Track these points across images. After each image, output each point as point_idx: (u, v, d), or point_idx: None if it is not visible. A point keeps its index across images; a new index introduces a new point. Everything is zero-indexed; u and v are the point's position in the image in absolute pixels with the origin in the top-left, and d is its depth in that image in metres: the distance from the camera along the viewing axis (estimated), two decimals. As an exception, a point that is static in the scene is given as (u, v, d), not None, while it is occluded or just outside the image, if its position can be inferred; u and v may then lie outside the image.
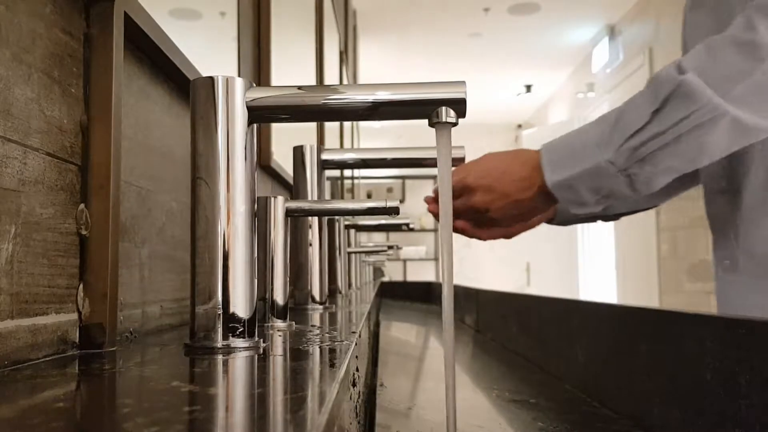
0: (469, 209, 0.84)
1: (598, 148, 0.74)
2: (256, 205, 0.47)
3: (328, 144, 2.42)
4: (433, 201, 0.87)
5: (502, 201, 0.81)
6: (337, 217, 1.29)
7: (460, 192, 0.84)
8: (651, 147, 0.71)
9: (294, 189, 0.88)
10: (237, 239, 0.44)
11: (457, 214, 0.85)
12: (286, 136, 1.42)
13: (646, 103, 0.72)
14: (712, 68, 0.69)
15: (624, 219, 1.04)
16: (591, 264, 5.78)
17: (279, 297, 0.66)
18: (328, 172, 1.03)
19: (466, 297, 1.88)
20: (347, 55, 3.71)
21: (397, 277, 7.19)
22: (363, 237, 4.36)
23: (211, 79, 0.44)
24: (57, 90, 0.46)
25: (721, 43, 0.71)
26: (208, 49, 0.92)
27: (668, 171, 0.72)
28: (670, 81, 0.71)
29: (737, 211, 0.84)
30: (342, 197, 3.40)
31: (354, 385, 0.54)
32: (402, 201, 7.38)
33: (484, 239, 0.90)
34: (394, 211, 0.68)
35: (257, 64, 1.24)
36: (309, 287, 0.89)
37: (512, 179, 0.81)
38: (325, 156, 0.88)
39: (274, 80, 1.28)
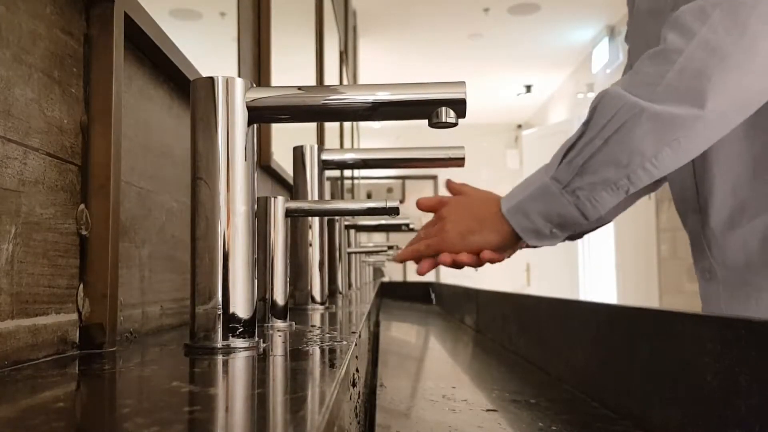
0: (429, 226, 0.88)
1: (545, 169, 0.80)
2: (256, 205, 0.47)
3: (328, 144, 2.42)
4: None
5: (459, 212, 0.86)
6: (337, 218, 1.29)
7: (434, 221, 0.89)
8: (584, 155, 0.76)
9: (294, 189, 0.88)
10: (237, 239, 0.44)
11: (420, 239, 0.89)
12: (286, 136, 1.42)
13: (581, 123, 0.79)
14: (632, 80, 0.76)
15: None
16: (591, 264, 5.78)
17: (279, 297, 0.66)
18: (328, 172, 1.03)
19: (466, 297, 1.88)
20: (347, 55, 3.71)
21: (397, 277, 7.18)
22: (363, 237, 4.36)
23: (211, 80, 0.44)
24: (57, 90, 0.46)
25: (641, 60, 0.77)
26: (208, 49, 0.92)
27: (607, 185, 0.76)
28: (597, 96, 0.77)
29: (707, 229, 0.89)
30: (342, 197, 3.41)
31: (354, 385, 0.54)
32: (402, 201, 7.38)
33: (421, 272, 0.92)
34: (394, 212, 0.68)
35: (257, 64, 1.24)
36: (309, 287, 0.89)
37: (479, 206, 0.86)
38: (325, 156, 0.88)
39: (274, 80, 1.28)
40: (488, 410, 0.71)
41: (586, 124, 0.77)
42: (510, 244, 0.85)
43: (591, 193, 0.76)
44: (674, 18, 0.76)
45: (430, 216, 0.90)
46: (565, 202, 0.77)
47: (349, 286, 1.67)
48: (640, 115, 0.73)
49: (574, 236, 1.04)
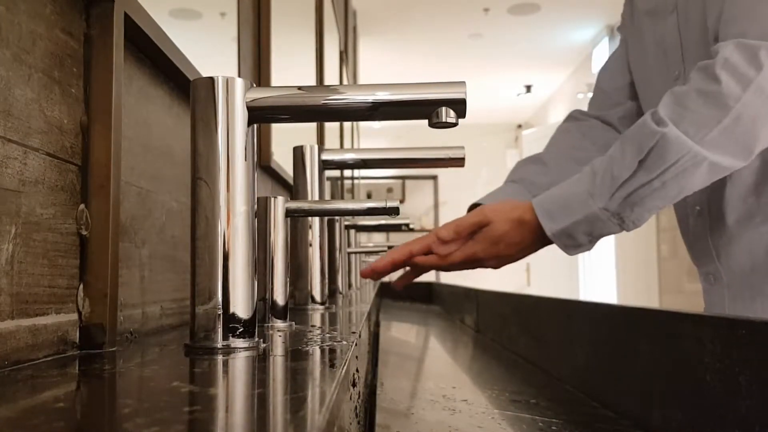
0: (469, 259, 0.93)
1: (591, 198, 0.83)
2: (256, 205, 0.47)
3: (328, 144, 2.42)
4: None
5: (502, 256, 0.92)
6: (337, 218, 1.29)
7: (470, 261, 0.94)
8: (641, 194, 0.80)
9: (294, 189, 0.88)
10: (237, 239, 0.44)
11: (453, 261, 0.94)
12: (286, 136, 1.42)
13: (632, 155, 0.81)
14: (686, 118, 0.78)
15: None
16: (591, 264, 5.78)
17: (279, 297, 0.66)
18: (328, 172, 1.03)
19: (466, 297, 1.88)
20: (347, 55, 3.71)
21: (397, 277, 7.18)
22: (363, 237, 4.36)
23: (211, 80, 0.44)
24: (57, 90, 0.46)
25: (689, 94, 0.79)
26: (208, 49, 0.92)
27: (653, 209, 0.82)
28: (652, 133, 0.79)
29: (715, 233, 0.92)
30: (342, 197, 3.40)
31: (354, 385, 0.54)
32: (402, 201, 7.38)
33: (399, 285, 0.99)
34: (394, 212, 0.68)
35: (257, 64, 1.24)
36: (309, 287, 0.89)
37: (514, 244, 0.91)
38: (325, 156, 0.88)
39: (274, 80, 1.28)
40: (488, 410, 0.71)
41: (642, 162, 0.79)
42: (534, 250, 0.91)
43: (638, 217, 0.82)
44: (725, 57, 0.77)
45: (431, 216, 0.91)
46: (611, 225, 0.83)
47: (349, 286, 1.68)
48: (702, 163, 0.77)
49: None
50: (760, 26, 0.78)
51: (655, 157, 0.78)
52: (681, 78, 0.92)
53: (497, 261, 0.92)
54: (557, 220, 0.85)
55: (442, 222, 7.66)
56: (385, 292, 3.04)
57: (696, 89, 0.79)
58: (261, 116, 0.46)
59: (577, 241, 0.86)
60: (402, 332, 1.89)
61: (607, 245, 5.25)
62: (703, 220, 0.94)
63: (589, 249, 0.88)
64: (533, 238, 0.88)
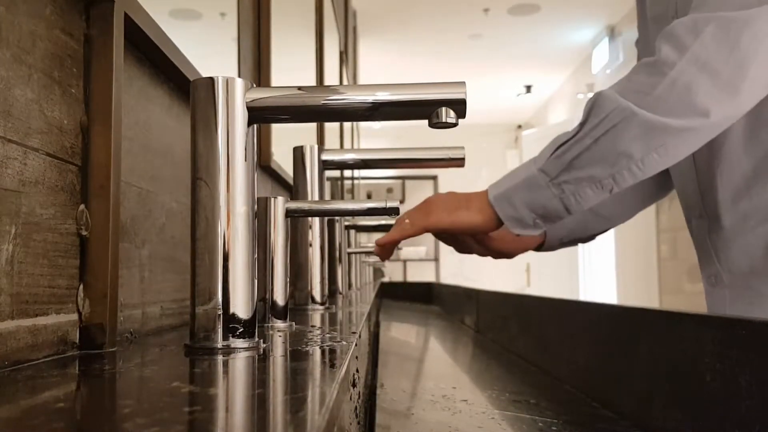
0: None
1: (534, 162, 0.82)
2: (256, 206, 0.47)
3: (328, 144, 2.42)
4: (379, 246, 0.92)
5: (445, 195, 0.87)
6: (337, 218, 1.29)
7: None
8: (573, 151, 0.78)
9: (294, 189, 0.88)
10: (237, 240, 0.44)
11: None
12: (286, 136, 1.42)
13: (577, 122, 0.80)
14: (626, 86, 0.79)
15: None
16: (591, 264, 5.78)
17: (279, 297, 0.66)
18: (328, 173, 1.03)
19: (466, 297, 1.88)
20: (347, 55, 3.71)
21: (397, 277, 7.19)
22: (363, 237, 4.36)
23: (211, 80, 0.44)
24: (57, 90, 0.46)
25: (635, 68, 0.81)
26: (208, 50, 0.92)
27: (593, 182, 0.78)
28: (592, 97, 0.80)
29: (713, 234, 0.92)
30: (342, 197, 3.40)
31: (354, 385, 0.54)
32: (402, 201, 7.38)
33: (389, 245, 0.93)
34: (394, 212, 0.68)
35: (257, 65, 1.24)
36: (309, 287, 0.89)
37: (465, 195, 0.87)
38: (325, 156, 0.88)
39: (274, 80, 1.28)
40: (488, 411, 0.71)
41: (582, 124, 0.79)
42: (492, 228, 0.85)
43: (576, 188, 0.78)
44: (669, 30, 0.78)
45: None
46: (549, 195, 0.79)
47: (349, 286, 1.67)
48: (631, 119, 0.76)
49: (585, 238, 1.05)
50: (713, 4, 0.78)
51: (591, 117, 0.78)
52: None
53: (447, 211, 0.85)
54: (501, 185, 0.84)
55: (442, 222, 7.65)
56: (385, 293, 3.04)
57: (641, 62, 0.80)
58: (261, 116, 0.46)
59: (517, 211, 0.81)
60: (402, 332, 1.89)
61: (607, 245, 5.26)
62: (703, 223, 0.94)
63: (533, 230, 0.83)
64: (479, 201, 0.84)
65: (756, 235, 0.87)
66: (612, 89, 0.80)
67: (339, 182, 3.28)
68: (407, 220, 0.88)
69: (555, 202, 0.79)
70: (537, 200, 0.80)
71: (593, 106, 0.79)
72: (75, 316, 0.47)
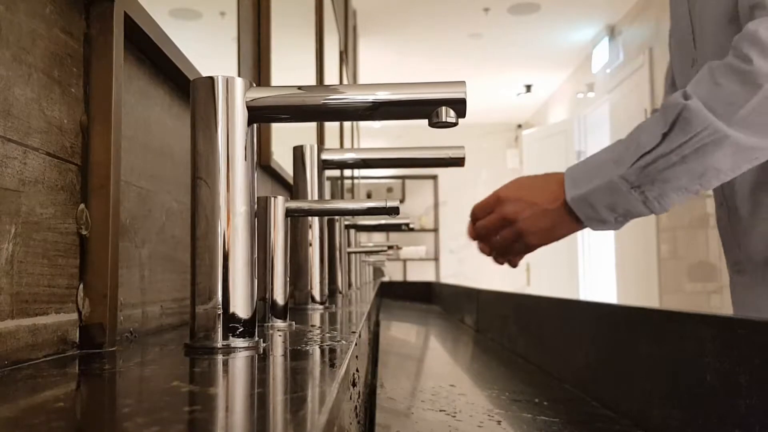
0: (499, 220, 0.87)
1: (614, 164, 0.80)
2: (256, 205, 0.47)
3: (328, 144, 2.42)
4: (471, 225, 0.91)
5: (530, 210, 0.85)
6: (337, 217, 1.29)
7: (492, 206, 0.88)
8: (659, 166, 0.76)
9: (294, 189, 0.88)
10: (237, 239, 0.44)
11: (488, 231, 0.89)
12: (286, 136, 1.42)
13: (657, 126, 0.77)
14: (714, 95, 0.75)
15: None
16: (591, 264, 5.78)
17: (279, 297, 0.66)
18: (328, 172, 1.03)
19: (467, 297, 1.88)
20: (347, 55, 3.71)
21: (397, 277, 7.19)
22: (363, 237, 4.36)
23: (211, 79, 0.44)
24: (57, 90, 0.46)
25: (722, 70, 0.76)
26: (208, 49, 0.92)
27: (678, 189, 0.77)
28: (677, 105, 0.76)
29: (734, 223, 0.91)
30: (342, 197, 3.40)
31: (354, 385, 0.54)
32: (402, 201, 7.38)
33: (514, 265, 0.94)
34: (394, 211, 0.68)
35: (257, 64, 1.24)
36: (309, 287, 0.89)
37: (540, 191, 0.86)
38: (325, 156, 0.88)
39: (274, 80, 1.28)
40: (488, 410, 0.71)
41: (666, 134, 0.76)
42: (575, 229, 0.86)
43: (661, 194, 0.78)
44: (753, 33, 0.74)
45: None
46: (632, 199, 0.79)
47: (349, 285, 1.67)
48: (723, 141, 0.74)
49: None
50: None
51: (677, 130, 0.75)
52: (696, 65, 0.90)
53: (530, 217, 0.85)
54: (579, 185, 0.82)
55: (442, 222, 7.68)
56: (385, 292, 3.04)
57: (729, 66, 0.76)
58: (261, 116, 0.46)
59: (599, 213, 0.81)
60: (402, 332, 1.89)
61: (607, 245, 5.26)
62: (724, 212, 0.93)
63: (614, 227, 0.84)
64: (559, 201, 0.83)
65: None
66: (698, 98, 0.76)
67: (339, 182, 3.28)
68: (510, 250, 0.89)
69: (638, 205, 0.79)
70: (619, 203, 0.80)
71: (679, 119, 0.76)
72: (75, 316, 0.47)
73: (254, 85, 0.46)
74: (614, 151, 0.82)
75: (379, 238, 6.25)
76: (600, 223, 0.83)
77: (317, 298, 0.89)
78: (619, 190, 0.79)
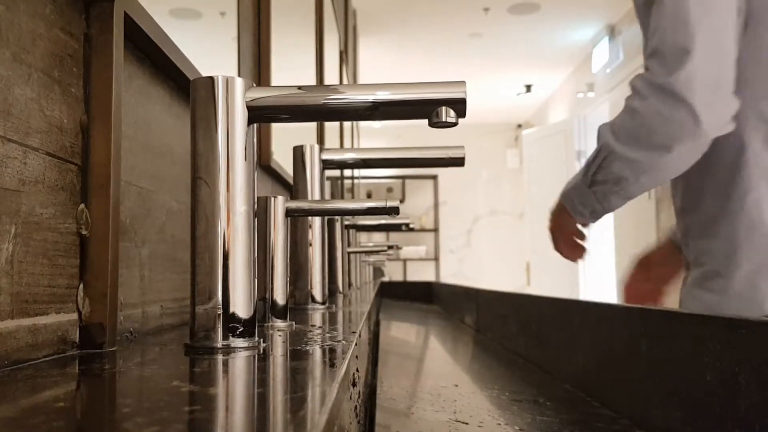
0: (550, 231, 1.20)
1: (582, 172, 1.06)
2: (256, 205, 0.47)
3: (328, 144, 2.42)
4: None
5: (551, 215, 1.18)
6: (337, 217, 1.29)
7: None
8: (591, 171, 1.03)
9: (294, 189, 0.88)
10: (237, 239, 0.44)
11: (553, 241, 1.21)
12: (286, 136, 1.42)
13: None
14: (616, 122, 1.01)
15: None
16: (591, 264, 5.77)
17: (279, 297, 0.66)
18: (328, 172, 1.03)
19: (466, 297, 1.88)
20: (347, 55, 3.71)
21: (397, 277, 7.19)
22: (363, 237, 4.36)
23: (211, 79, 0.44)
24: (57, 90, 0.46)
25: (624, 103, 1.02)
26: (208, 49, 0.92)
27: (611, 193, 1.02)
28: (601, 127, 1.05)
29: (681, 230, 1.11)
30: (342, 197, 3.41)
31: (354, 385, 0.54)
32: (402, 201, 7.38)
33: (578, 258, 1.21)
34: (394, 211, 0.68)
35: (257, 64, 1.24)
36: (309, 287, 0.89)
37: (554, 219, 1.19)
38: (325, 156, 0.88)
39: (274, 80, 1.28)
40: (488, 410, 0.71)
41: (596, 149, 1.03)
42: (573, 221, 1.12)
43: (603, 195, 1.02)
44: (633, 80, 0.99)
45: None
46: (591, 198, 1.04)
47: (349, 285, 1.67)
48: (611, 154, 0.99)
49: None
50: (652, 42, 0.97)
51: (597, 146, 1.02)
52: None
53: (551, 221, 1.17)
54: (566, 186, 1.10)
55: (442, 222, 7.68)
56: (385, 292, 3.04)
57: (626, 99, 1.01)
58: (261, 116, 0.46)
59: (575, 207, 1.07)
60: (402, 332, 1.89)
61: (607, 245, 5.25)
62: (678, 224, 1.17)
63: (591, 220, 1.08)
64: (557, 205, 1.13)
65: (690, 248, 1.06)
66: (609, 122, 1.02)
67: (339, 182, 3.28)
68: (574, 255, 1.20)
69: (596, 204, 1.04)
70: (586, 201, 1.05)
71: (597, 137, 1.02)
72: (75, 316, 0.47)
73: (254, 85, 0.46)
74: (587, 161, 1.07)
75: (379, 238, 6.25)
76: (580, 215, 1.08)
77: (317, 298, 0.89)
78: (582, 190, 1.05)
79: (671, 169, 0.97)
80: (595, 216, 1.06)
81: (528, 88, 6.66)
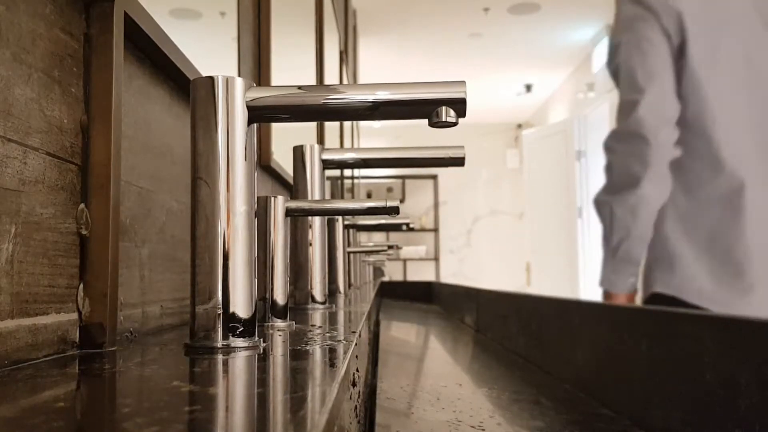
0: None
1: (605, 252, 1.39)
2: (256, 205, 0.47)
3: (328, 143, 2.42)
4: None
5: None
6: (337, 217, 1.29)
7: None
8: (607, 239, 1.38)
9: (294, 189, 0.88)
10: (237, 239, 0.44)
11: None
12: (286, 136, 1.42)
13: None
14: (603, 185, 1.35)
15: None
16: (591, 264, 5.77)
17: (279, 297, 0.66)
18: (328, 172, 1.04)
19: (466, 297, 1.88)
20: (347, 55, 3.71)
21: (397, 276, 7.19)
22: (363, 237, 4.36)
23: (211, 79, 0.44)
24: (57, 90, 0.46)
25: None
26: (208, 49, 0.92)
27: (630, 244, 1.32)
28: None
29: None
30: (342, 197, 3.40)
31: (354, 384, 0.54)
32: (402, 201, 7.38)
33: None
34: (393, 211, 0.68)
35: (257, 64, 1.24)
36: (309, 287, 0.89)
37: None
38: (325, 156, 0.88)
39: (274, 80, 1.28)
40: (488, 410, 0.71)
41: None
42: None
43: (627, 253, 1.34)
44: (606, 139, 1.33)
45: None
46: (620, 264, 1.36)
47: (349, 285, 1.67)
48: (611, 208, 1.33)
49: None
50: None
51: None
52: None
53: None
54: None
55: (442, 222, 7.68)
56: (385, 292, 3.04)
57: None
58: (261, 116, 0.46)
59: (614, 283, 1.36)
60: (402, 332, 1.89)
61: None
62: None
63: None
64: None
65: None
66: (599, 192, 1.37)
67: (339, 181, 3.28)
68: None
69: (624, 265, 1.36)
70: (617, 267, 1.33)
71: (596, 210, 1.38)
72: (75, 316, 0.47)
73: (254, 84, 0.46)
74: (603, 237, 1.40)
75: (379, 237, 6.25)
76: (620, 289, 1.35)
77: (317, 297, 0.89)
78: (608, 263, 1.36)
79: (651, 201, 1.24)
80: (629, 275, 1.30)
81: (528, 87, 6.66)
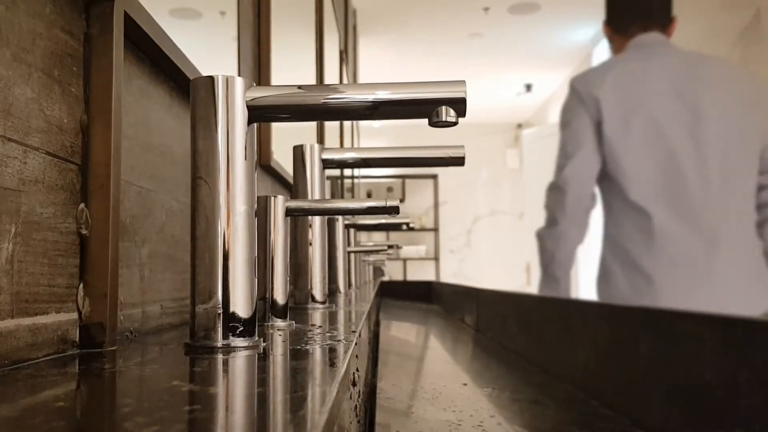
0: None
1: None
2: (256, 205, 0.47)
3: (328, 143, 2.41)
4: None
5: None
6: (337, 217, 1.29)
7: None
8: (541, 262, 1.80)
9: (294, 188, 0.88)
10: (237, 239, 0.44)
11: None
12: (286, 136, 1.42)
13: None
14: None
15: None
16: (591, 264, 5.77)
17: (279, 296, 0.66)
18: (328, 172, 1.03)
19: (466, 296, 1.88)
20: (347, 54, 3.71)
21: (397, 276, 7.19)
22: (363, 236, 4.36)
23: (211, 79, 0.44)
24: (57, 89, 0.46)
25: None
26: (208, 49, 0.92)
27: (554, 267, 1.83)
28: None
29: None
30: (342, 197, 3.40)
31: (354, 384, 0.54)
32: (402, 200, 7.38)
33: None
34: (394, 211, 0.68)
35: (257, 64, 1.24)
36: (309, 287, 0.89)
37: None
38: (325, 155, 0.88)
39: (274, 79, 1.28)
40: (488, 409, 0.71)
41: None
42: None
43: (552, 275, 1.86)
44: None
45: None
46: (551, 283, 1.82)
47: (349, 285, 1.67)
48: (541, 238, 1.83)
49: None
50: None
51: None
52: None
53: None
54: None
55: (442, 221, 7.68)
56: (385, 292, 3.04)
57: None
58: (261, 115, 0.46)
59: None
60: (402, 331, 1.89)
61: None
62: None
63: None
64: None
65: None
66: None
67: (339, 181, 3.28)
68: None
69: (551, 283, 1.82)
70: (547, 285, 1.82)
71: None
72: (75, 315, 0.47)
73: (254, 84, 0.46)
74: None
75: (379, 237, 6.25)
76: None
77: (317, 297, 0.89)
78: (544, 281, 1.86)
79: (569, 238, 1.75)
80: (554, 290, 1.75)
81: (528, 87, 6.66)
